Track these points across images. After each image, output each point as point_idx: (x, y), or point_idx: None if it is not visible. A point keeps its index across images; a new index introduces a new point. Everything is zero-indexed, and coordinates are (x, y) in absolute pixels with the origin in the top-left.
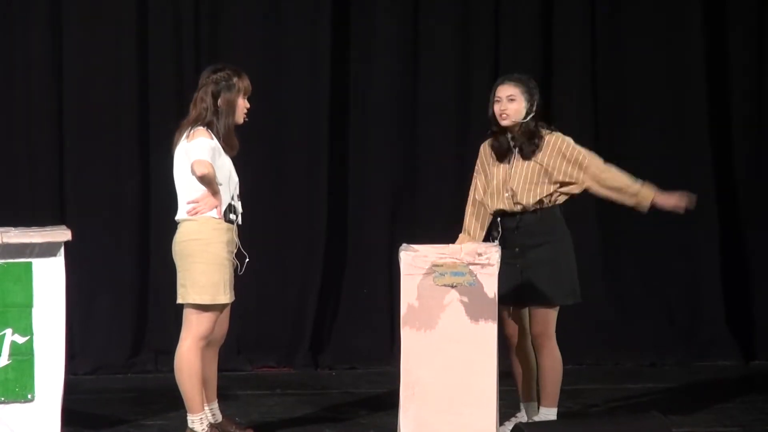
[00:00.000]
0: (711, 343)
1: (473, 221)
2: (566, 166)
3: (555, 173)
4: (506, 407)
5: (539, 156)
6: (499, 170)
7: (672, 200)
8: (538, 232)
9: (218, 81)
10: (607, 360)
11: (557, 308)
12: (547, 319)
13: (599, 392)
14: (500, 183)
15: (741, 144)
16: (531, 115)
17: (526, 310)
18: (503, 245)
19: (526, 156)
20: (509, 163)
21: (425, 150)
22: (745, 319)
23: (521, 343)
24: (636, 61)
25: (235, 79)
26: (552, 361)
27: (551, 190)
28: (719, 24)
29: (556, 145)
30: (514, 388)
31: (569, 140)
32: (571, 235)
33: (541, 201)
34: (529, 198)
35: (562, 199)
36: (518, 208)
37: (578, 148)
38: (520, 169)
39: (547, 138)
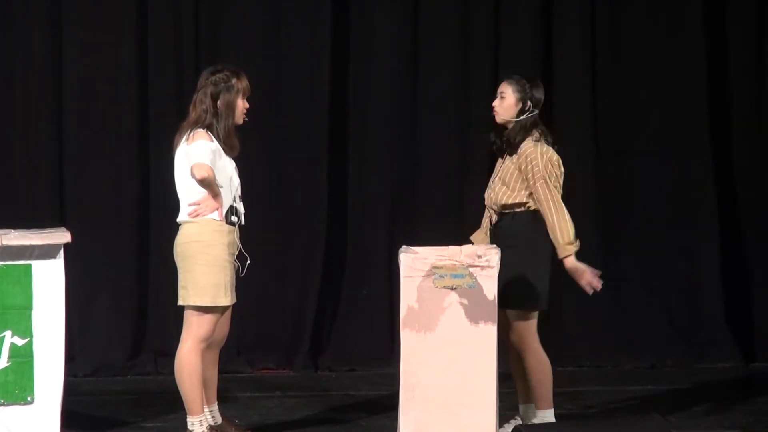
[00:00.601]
0: (711, 345)
1: (485, 219)
2: (520, 175)
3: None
4: (506, 409)
5: (517, 159)
6: (497, 167)
7: (583, 277)
8: (510, 235)
9: (217, 82)
10: (607, 361)
11: (528, 313)
12: (522, 323)
13: (599, 394)
14: (492, 181)
15: (741, 144)
16: (527, 114)
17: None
18: (491, 242)
19: (510, 153)
20: (503, 160)
21: (425, 151)
22: (745, 321)
23: (510, 344)
24: (636, 62)
25: (234, 80)
26: (535, 364)
27: (519, 199)
28: (719, 24)
29: (524, 155)
30: (514, 390)
31: (537, 158)
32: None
33: (518, 204)
34: (507, 198)
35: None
36: (495, 207)
37: (541, 169)
38: (504, 168)
39: (526, 142)
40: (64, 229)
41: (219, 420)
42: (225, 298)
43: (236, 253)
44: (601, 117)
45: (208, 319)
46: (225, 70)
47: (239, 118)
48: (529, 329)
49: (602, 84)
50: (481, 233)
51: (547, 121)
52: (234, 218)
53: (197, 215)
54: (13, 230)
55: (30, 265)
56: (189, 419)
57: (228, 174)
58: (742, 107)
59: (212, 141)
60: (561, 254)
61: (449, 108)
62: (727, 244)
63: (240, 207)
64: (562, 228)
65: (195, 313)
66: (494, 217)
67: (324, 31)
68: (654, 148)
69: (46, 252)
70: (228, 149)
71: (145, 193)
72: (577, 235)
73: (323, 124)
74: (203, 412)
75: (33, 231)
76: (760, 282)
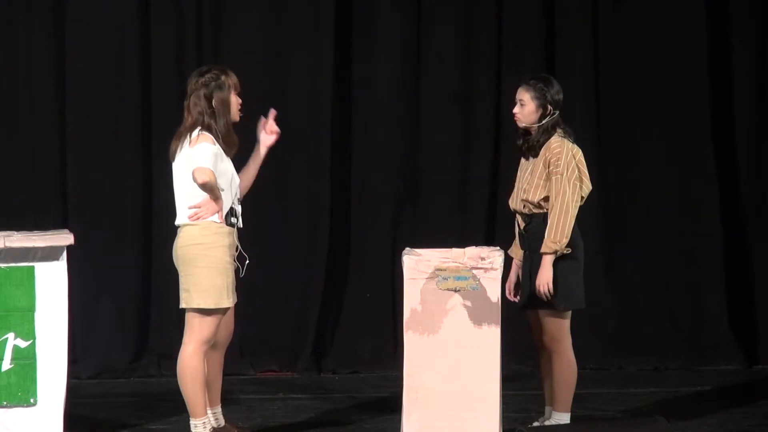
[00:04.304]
0: (714, 348)
1: (516, 228)
2: (545, 170)
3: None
4: (509, 411)
5: (541, 156)
6: (521, 169)
7: (543, 280)
8: (540, 237)
9: (208, 83)
10: (610, 364)
11: (562, 313)
12: (551, 323)
13: (602, 396)
14: (518, 182)
15: (744, 146)
16: (549, 118)
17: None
18: (521, 247)
19: (534, 155)
20: (528, 162)
21: (428, 153)
22: (749, 324)
23: (542, 345)
24: (638, 63)
25: (223, 78)
26: (560, 366)
27: (546, 193)
28: (721, 25)
29: (551, 149)
30: (516, 392)
31: (563, 153)
32: (571, 236)
33: (544, 199)
34: (534, 195)
35: None
36: (526, 209)
37: (562, 164)
38: (530, 167)
39: (551, 140)
40: (67, 231)
41: (222, 422)
42: (227, 300)
43: (236, 254)
44: (604, 118)
45: (210, 321)
46: (213, 70)
47: (235, 114)
48: (562, 330)
49: (604, 85)
50: (515, 246)
51: (569, 128)
52: (234, 219)
53: (198, 218)
54: (16, 232)
55: (33, 267)
56: (192, 421)
57: (229, 176)
58: (744, 109)
59: (215, 144)
60: (543, 248)
61: (452, 110)
62: (730, 246)
63: (238, 208)
64: (558, 225)
65: (197, 315)
66: (521, 222)
67: (327, 33)
68: (657, 150)
69: (49, 254)
70: (228, 147)
71: (148, 196)
72: (581, 237)
73: (326, 126)
74: (206, 414)
75: (36, 233)
76: (763, 285)
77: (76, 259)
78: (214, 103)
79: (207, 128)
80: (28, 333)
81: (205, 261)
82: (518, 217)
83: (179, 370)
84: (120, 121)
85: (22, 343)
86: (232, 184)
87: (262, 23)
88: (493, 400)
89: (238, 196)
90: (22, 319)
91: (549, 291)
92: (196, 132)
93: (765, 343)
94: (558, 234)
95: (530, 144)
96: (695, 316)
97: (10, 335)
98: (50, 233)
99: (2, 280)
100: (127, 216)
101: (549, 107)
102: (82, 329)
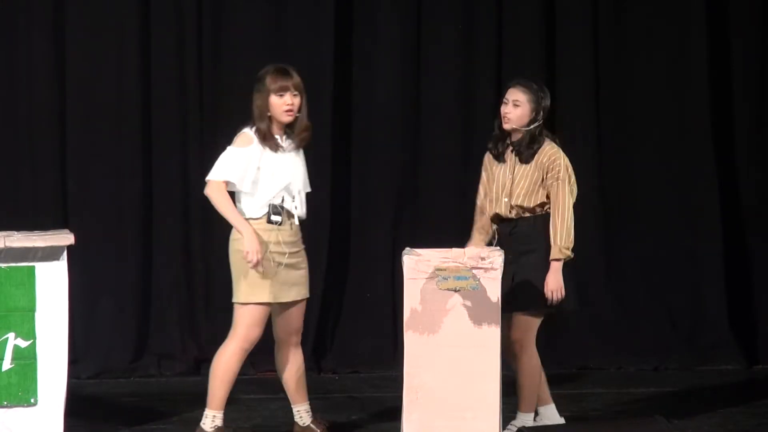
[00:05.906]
0: (714, 348)
1: (475, 229)
2: (541, 175)
3: (543, 182)
4: (510, 411)
5: (535, 162)
6: (500, 174)
7: (555, 287)
8: (531, 240)
9: (255, 83)
10: (610, 364)
11: (540, 316)
12: (528, 325)
13: (602, 396)
14: (500, 188)
15: (744, 146)
16: (536, 124)
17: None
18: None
19: (524, 161)
20: (510, 167)
21: (428, 154)
22: (748, 324)
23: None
24: (638, 63)
25: (266, 80)
26: (528, 368)
27: (542, 199)
28: (721, 26)
29: (547, 155)
30: (516, 392)
31: (560, 159)
32: (574, 240)
33: (540, 205)
34: (529, 201)
35: None
36: (513, 213)
37: (562, 170)
38: (521, 173)
39: (543, 145)
40: (67, 231)
41: (307, 421)
42: (262, 295)
43: (288, 251)
44: (604, 118)
45: (250, 319)
46: (263, 70)
47: (278, 115)
48: (533, 332)
49: (604, 87)
50: (479, 243)
51: (550, 123)
52: (276, 217)
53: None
54: (16, 232)
55: (33, 267)
56: (206, 411)
57: (269, 173)
58: (744, 110)
59: (249, 144)
60: (553, 255)
61: (452, 112)
62: (730, 247)
63: (291, 205)
64: (565, 232)
65: (241, 313)
66: (505, 227)
67: (327, 33)
68: (657, 150)
69: (49, 254)
70: (272, 149)
71: (148, 196)
72: (580, 237)
73: (326, 127)
74: (221, 409)
75: (36, 233)
76: (763, 285)
77: (76, 259)
78: (254, 104)
79: (253, 126)
80: (29, 333)
81: (238, 256)
82: (494, 225)
83: (214, 363)
84: (120, 121)
85: (23, 343)
86: (274, 180)
87: (262, 23)
88: (493, 400)
89: (289, 191)
90: (23, 319)
91: (561, 296)
92: (243, 130)
93: (765, 343)
94: (567, 240)
95: (518, 148)
96: (695, 316)
97: (11, 335)
98: (50, 233)
99: (2, 280)
100: (128, 216)
101: (541, 113)
102: (82, 329)
